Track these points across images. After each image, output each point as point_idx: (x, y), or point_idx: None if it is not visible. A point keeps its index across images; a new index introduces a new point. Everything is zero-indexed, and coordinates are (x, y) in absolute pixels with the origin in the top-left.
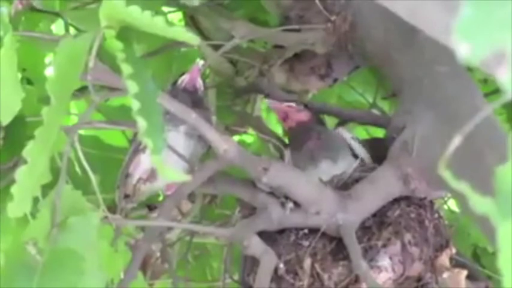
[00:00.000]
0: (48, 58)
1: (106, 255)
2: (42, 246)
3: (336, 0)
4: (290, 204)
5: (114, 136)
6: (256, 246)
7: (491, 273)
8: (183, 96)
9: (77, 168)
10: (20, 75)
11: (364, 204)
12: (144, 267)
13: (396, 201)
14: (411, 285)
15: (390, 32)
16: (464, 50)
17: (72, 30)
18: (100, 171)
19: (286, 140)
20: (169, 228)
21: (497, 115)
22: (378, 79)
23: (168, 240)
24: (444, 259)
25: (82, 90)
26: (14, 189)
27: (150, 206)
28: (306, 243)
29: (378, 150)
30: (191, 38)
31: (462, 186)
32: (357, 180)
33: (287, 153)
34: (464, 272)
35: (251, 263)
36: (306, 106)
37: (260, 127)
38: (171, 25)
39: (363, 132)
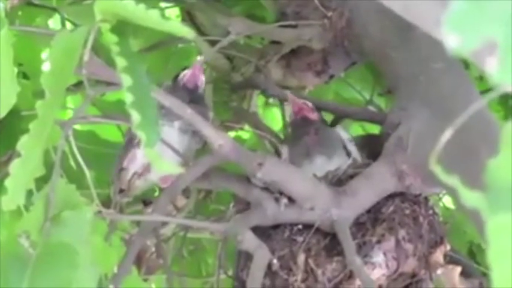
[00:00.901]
0: (45, 53)
1: (100, 250)
2: (35, 240)
3: None
4: (284, 200)
5: (110, 131)
6: (249, 241)
7: (487, 270)
8: (182, 93)
9: (72, 163)
10: (16, 70)
11: (358, 200)
12: (138, 262)
13: (391, 197)
14: (405, 282)
15: (387, 29)
16: (454, 41)
17: (69, 25)
18: (96, 167)
19: (282, 136)
20: (164, 224)
21: (494, 112)
22: (375, 76)
23: (162, 235)
24: (438, 256)
25: (78, 85)
26: (7, 182)
27: (145, 201)
28: (300, 238)
29: (373, 147)
30: (186, 31)
31: (452, 180)
32: (351, 176)
33: (284, 147)
34: (458, 269)
35: (245, 258)
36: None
37: (256, 123)
38: (166, 19)
39: (358, 128)
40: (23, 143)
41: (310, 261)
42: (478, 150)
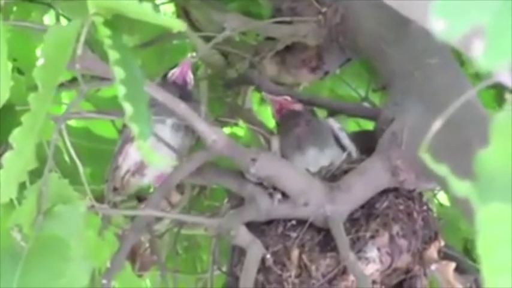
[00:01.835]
0: (40, 49)
1: (93, 245)
2: (28, 233)
3: None
4: (278, 195)
5: (105, 128)
6: (243, 236)
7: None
8: (171, 89)
9: (66, 158)
10: (10, 65)
11: (352, 195)
12: (132, 258)
13: (385, 192)
14: (399, 277)
15: (381, 25)
16: (441, 26)
17: (63, 21)
18: (90, 163)
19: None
20: (158, 219)
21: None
22: (370, 73)
23: (156, 231)
24: (432, 251)
25: (73, 81)
26: (0, 175)
27: (140, 197)
28: (293, 234)
29: (368, 142)
30: (178, 24)
31: (442, 170)
32: (345, 172)
33: (275, 140)
34: (453, 264)
35: (239, 254)
36: (300, 101)
37: (250, 119)
38: (159, 12)
39: (353, 124)
40: (15, 135)
41: (304, 256)
42: (471, 145)
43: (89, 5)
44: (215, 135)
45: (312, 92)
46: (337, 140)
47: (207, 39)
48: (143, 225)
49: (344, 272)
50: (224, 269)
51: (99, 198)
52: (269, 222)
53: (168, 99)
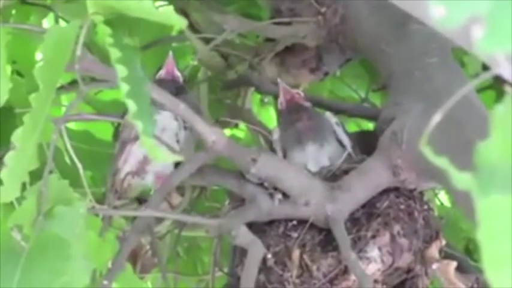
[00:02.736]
0: (39, 52)
1: (93, 246)
2: (28, 233)
3: None
4: (279, 196)
5: (105, 131)
6: (244, 236)
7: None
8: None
9: (67, 160)
10: (10, 68)
11: (353, 195)
12: (133, 260)
13: (385, 192)
14: (401, 277)
15: (381, 25)
16: (440, 13)
17: (62, 24)
18: (91, 166)
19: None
20: (159, 221)
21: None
22: (370, 73)
23: (157, 233)
24: (434, 251)
25: (73, 83)
26: (3, 174)
27: (141, 200)
28: (294, 234)
29: (368, 142)
30: (177, 20)
31: (442, 162)
32: (346, 172)
33: (276, 131)
34: (454, 264)
35: (240, 254)
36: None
37: (250, 120)
38: (158, 9)
39: (354, 126)
40: (17, 135)
41: (305, 256)
42: (472, 145)
43: (88, 5)
44: (215, 136)
45: (312, 93)
46: (336, 136)
47: (207, 41)
48: (144, 226)
49: (345, 271)
50: (225, 270)
51: (100, 200)
52: (270, 223)
53: (167, 100)
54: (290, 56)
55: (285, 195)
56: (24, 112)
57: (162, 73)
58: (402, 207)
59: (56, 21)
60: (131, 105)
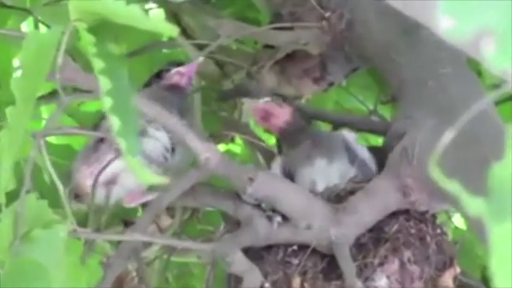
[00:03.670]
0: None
1: (75, 273)
2: (3, 259)
3: None
4: (278, 218)
5: None
6: (240, 263)
7: None
8: (166, 96)
9: (46, 178)
10: None
11: (359, 218)
12: (119, 287)
13: (395, 215)
14: None
15: (390, 31)
16: (447, 25)
17: (43, 29)
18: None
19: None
20: (146, 245)
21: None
22: (379, 83)
23: (145, 258)
24: (447, 279)
25: (53, 94)
26: None
27: (127, 221)
28: (295, 260)
29: (376, 160)
30: (170, 29)
31: (453, 186)
32: (351, 192)
33: (277, 161)
34: None
35: (235, 283)
36: (284, 100)
37: (248, 134)
38: (148, 16)
39: (361, 140)
40: None
41: (307, 285)
42: (489, 164)
43: (70, 10)
44: (209, 153)
45: (315, 105)
46: (350, 153)
47: (200, 47)
48: (130, 251)
49: None
50: None
51: (82, 221)
52: (268, 248)
53: (156, 112)
54: (291, 64)
55: (285, 218)
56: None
57: (176, 75)
58: (413, 231)
59: (36, 26)
60: (115, 122)
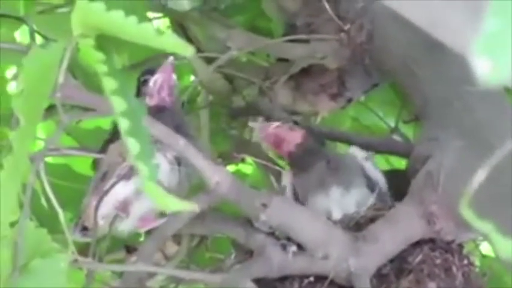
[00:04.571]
0: (11, 70)
1: None
2: None
3: (350, 4)
4: (293, 247)
5: (87, 164)
6: None
7: None
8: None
9: (44, 202)
10: None
11: (380, 247)
12: None
13: (418, 244)
14: None
15: (413, 44)
16: (485, 67)
17: (38, 39)
18: (71, 206)
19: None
20: (151, 275)
21: None
22: (401, 99)
23: None
24: None
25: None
26: None
27: (129, 248)
28: None
29: (398, 184)
30: (185, 48)
31: (487, 227)
32: (372, 220)
33: (286, 175)
34: None
35: None
36: (295, 123)
37: (259, 155)
38: (160, 33)
39: (382, 161)
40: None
41: None
42: None
43: (73, 24)
44: (219, 176)
45: (332, 123)
46: (366, 175)
47: (209, 60)
48: (134, 281)
49: None
50: None
51: (83, 249)
52: (282, 279)
53: (165, 134)
54: (307, 79)
55: (300, 247)
56: None
57: (156, 87)
58: (438, 261)
59: (32, 36)
60: (133, 146)
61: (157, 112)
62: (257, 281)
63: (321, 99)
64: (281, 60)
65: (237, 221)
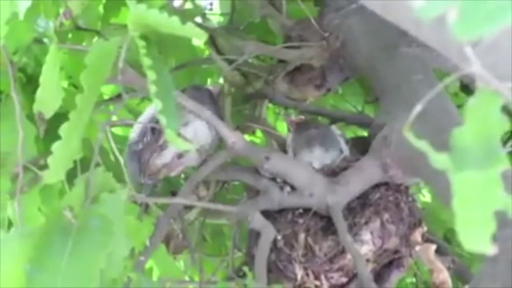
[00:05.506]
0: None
1: (132, 228)
2: (77, 213)
3: (330, 21)
4: (287, 188)
5: None
6: (258, 221)
7: (460, 251)
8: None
9: (112, 158)
10: (66, 82)
11: (349, 188)
12: (167, 243)
13: (377, 186)
14: (389, 257)
15: (375, 48)
16: (420, 4)
17: None
18: None
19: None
20: (188, 209)
21: None
22: (365, 89)
23: (187, 220)
24: (417, 235)
25: (119, 96)
26: (50, 160)
27: (174, 192)
28: (300, 220)
29: (363, 146)
30: (199, 33)
31: (422, 145)
32: (344, 169)
33: (289, 136)
34: (433, 246)
35: (255, 237)
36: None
37: (265, 127)
38: (184, 23)
39: (351, 133)
40: (64, 128)
41: (309, 239)
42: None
43: (128, 22)
44: (234, 138)
45: (317, 105)
46: (339, 144)
47: (230, 62)
48: (175, 213)
49: (343, 252)
50: (243, 251)
51: (138, 191)
52: (280, 211)
53: (194, 107)
54: (299, 74)
55: (293, 188)
56: None
57: None
58: (391, 198)
59: None
60: (157, 103)
61: (195, 90)
62: (262, 212)
63: (309, 88)
64: (280, 61)
65: (248, 170)
